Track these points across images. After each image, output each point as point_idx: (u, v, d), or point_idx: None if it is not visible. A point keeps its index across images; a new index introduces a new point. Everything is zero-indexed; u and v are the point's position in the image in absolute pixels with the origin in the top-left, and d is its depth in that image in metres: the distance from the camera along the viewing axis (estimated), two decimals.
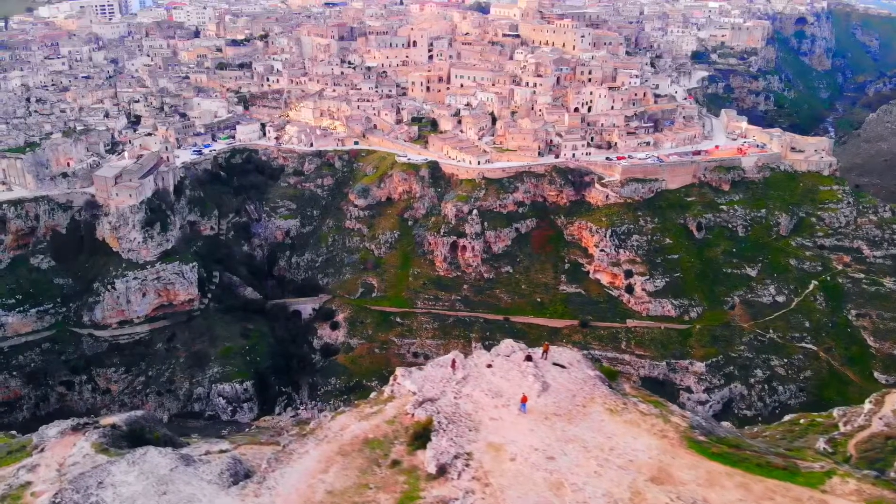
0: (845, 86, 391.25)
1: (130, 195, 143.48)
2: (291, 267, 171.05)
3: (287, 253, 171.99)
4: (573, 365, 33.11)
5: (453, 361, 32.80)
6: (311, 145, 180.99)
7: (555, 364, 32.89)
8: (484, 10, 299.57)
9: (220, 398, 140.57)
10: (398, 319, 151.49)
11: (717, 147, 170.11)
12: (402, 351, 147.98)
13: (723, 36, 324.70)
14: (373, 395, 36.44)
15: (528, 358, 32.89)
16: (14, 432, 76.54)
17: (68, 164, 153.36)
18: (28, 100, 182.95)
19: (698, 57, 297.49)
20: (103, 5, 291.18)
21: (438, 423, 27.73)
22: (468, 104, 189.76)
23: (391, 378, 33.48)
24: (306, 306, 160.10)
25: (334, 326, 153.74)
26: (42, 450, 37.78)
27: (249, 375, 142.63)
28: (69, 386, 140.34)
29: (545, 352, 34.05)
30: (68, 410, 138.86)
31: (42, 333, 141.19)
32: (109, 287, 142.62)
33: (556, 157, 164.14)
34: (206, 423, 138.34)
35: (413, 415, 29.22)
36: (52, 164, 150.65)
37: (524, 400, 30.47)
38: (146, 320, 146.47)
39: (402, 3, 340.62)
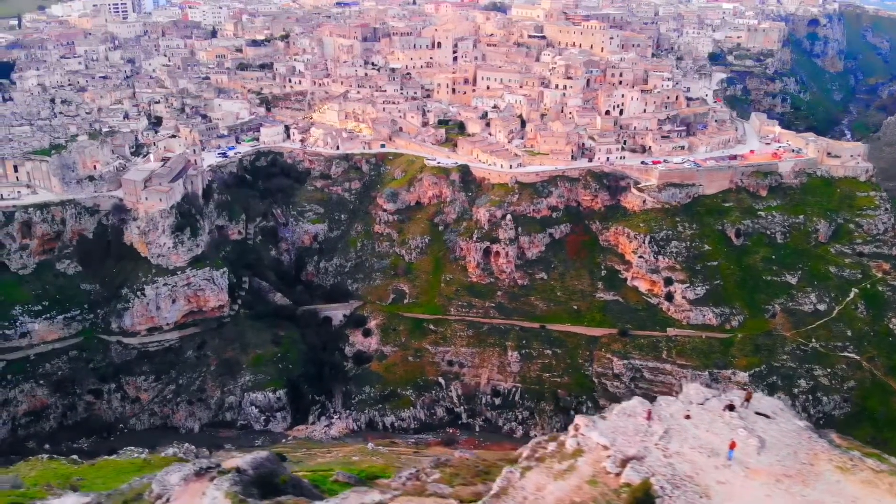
0: (857, 88, 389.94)
1: (160, 199, 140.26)
2: (320, 272, 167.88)
3: (315, 258, 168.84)
4: (778, 414, 30.26)
5: (649, 412, 29.86)
6: (338, 148, 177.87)
7: (758, 413, 30.08)
8: (500, 9, 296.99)
9: (253, 407, 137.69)
10: (431, 326, 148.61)
11: (752, 152, 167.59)
12: (436, 359, 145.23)
13: (738, 37, 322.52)
14: (536, 438, 33.31)
15: (731, 407, 30.09)
16: (75, 457, 73.59)
17: (95, 167, 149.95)
18: (52, 101, 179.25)
19: (714, 58, 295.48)
20: (117, 4, 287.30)
21: (661, 488, 24.78)
22: (495, 106, 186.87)
23: (571, 427, 30.34)
24: (337, 312, 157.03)
25: (366, 333, 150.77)
26: (167, 500, 34.52)
27: (282, 384, 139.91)
28: (97, 394, 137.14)
29: (748, 399, 31.27)
30: (96, 420, 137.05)
31: (69, 341, 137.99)
32: (139, 293, 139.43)
33: (590, 160, 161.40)
34: (238, 432, 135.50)
35: (618, 475, 26.32)
36: (78, 167, 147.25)
37: (732, 446, 27.77)
38: (176, 327, 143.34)
39: (414, 2, 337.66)
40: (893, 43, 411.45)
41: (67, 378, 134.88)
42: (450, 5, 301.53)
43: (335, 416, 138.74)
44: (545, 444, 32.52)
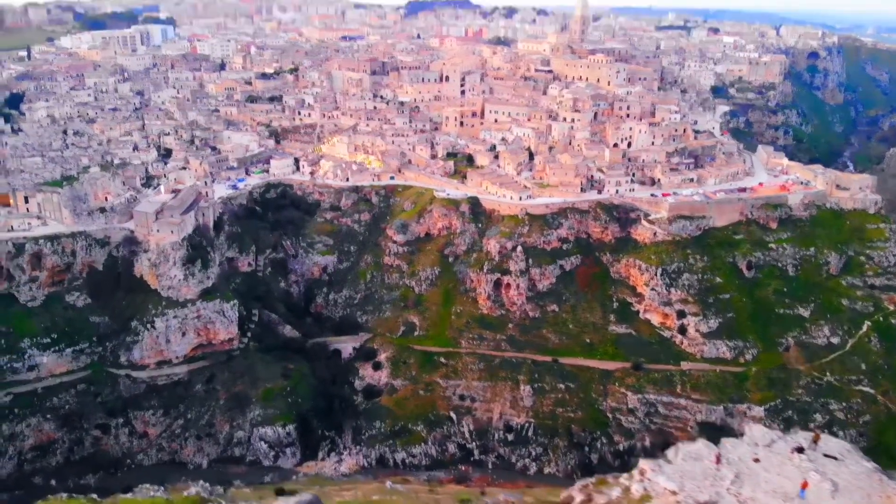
0: (858, 119, 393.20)
1: (172, 231, 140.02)
2: (329, 304, 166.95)
3: (324, 289, 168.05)
4: (846, 456, 29.56)
5: (717, 456, 29.14)
6: (347, 180, 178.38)
7: (826, 456, 29.38)
8: (504, 43, 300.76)
9: (262, 442, 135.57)
10: (442, 360, 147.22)
11: (760, 184, 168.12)
12: (447, 393, 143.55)
13: (739, 70, 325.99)
14: (583, 481, 32.42)
15: (800, 450, 29.40)
16: (94, 496, 71.94)
17: (106, 199, 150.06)
18: (65, 132, 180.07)
19: (717, 91, 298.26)
20: (126, 37, 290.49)
21: None
22: (503, 139, 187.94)
23: (636, 472, 29.54)
24: (346, 345, 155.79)
25: (377, 367, 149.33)
26: None
27: (292, 418, 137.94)
28: (105, 429, 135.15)
29: (815, 441, 30.59)
30: (103, 455, 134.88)
31: (77, 374, 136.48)
32: (149, 326, 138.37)
33: (599, 192, 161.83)
34: (247, 468, 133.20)
35: None
36: (90, 199, 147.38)
37: (804, 486, 27.05)
38: (185, 360, 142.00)
39: (419, 37, 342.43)
40: (893, 75, 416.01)
41: (75, 412, 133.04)
42: (454, 40, 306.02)
43: (345, 452, 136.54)
44: (597, 487, 31.68)
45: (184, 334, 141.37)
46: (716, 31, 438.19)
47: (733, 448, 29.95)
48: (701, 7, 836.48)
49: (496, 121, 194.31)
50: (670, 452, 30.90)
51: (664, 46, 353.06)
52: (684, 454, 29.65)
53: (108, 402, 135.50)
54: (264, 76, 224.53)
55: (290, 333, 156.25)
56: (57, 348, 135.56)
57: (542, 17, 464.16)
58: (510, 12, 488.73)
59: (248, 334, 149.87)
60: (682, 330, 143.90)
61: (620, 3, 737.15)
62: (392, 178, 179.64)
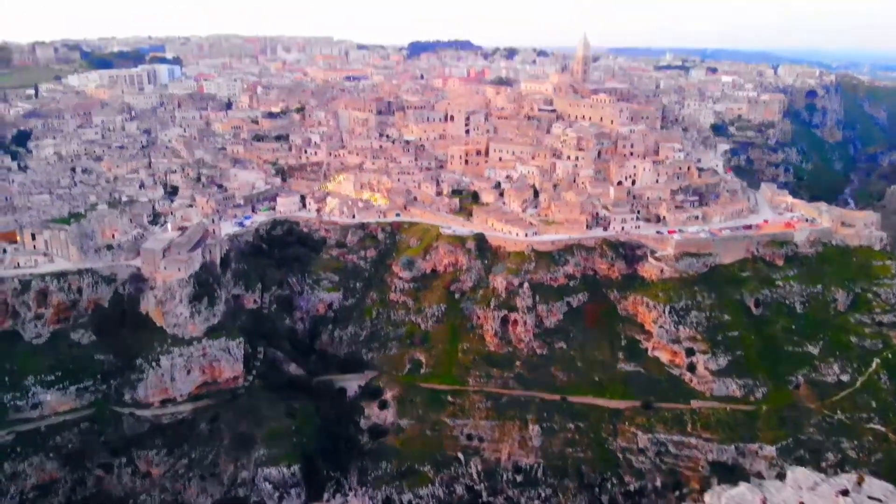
0: (857, 157, 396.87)
1: (179, 268, 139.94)
2: (334, 341, 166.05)
3: (330, 326, 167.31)
4: (889, 497, 29.01)
5: (763, 500, 28.58)
6: (354, 217, 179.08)
7: (871, 498, 28.84)
8: (506, 83, 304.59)
9: (267, 483, 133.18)
10: (449, 398, 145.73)
11: (765, 221, 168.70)
12: (455, 433, 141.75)
13: (739, 109, 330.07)
14: None
15: (845, 492, 28.89)
16: None
17: (113, 236, 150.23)
18: (73, 169, 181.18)
19: (717, 130, 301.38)
20: (133, 76, 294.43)
21: None
22: (508, 177, 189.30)
23: None
24: (352, 383, 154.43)
25: (383, 405, 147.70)
26: None
27: (297, 458, 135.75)
28: (108, 469, 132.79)
29: (859, 483, 30.06)
30: (106, 495, 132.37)
31: (81, 412, 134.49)
32: (154, 364, 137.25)
33: (605, 229, 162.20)
34: None
35: None
36: (97, 236, 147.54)
37: None
38: (189, 399, 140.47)
39: (422, 77, 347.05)
40: (890, 112, 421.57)
41: (78, 451, 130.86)
42: (457, 80, 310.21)
43: (351, 493, 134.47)
44: None
45: (189, 372, 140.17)
46: (714, 70, 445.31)
47: (777, 492, 29.41)
48: (698, 47, 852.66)
49: (500, 159, 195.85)
50: (710, 497, 30.27)
51: (663, 86, 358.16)
52: (728, 499, 29.02)
53: (111, 442, 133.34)
54: (271, 115, 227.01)
55: (295, 371, 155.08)
56: (61, 386, 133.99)
57: (541, 58, 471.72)
58: (511, 53, 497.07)
59: (254, 372, 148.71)
60: (692, 368, 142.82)
61: (618, 44, 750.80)
62: (398, 214, 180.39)
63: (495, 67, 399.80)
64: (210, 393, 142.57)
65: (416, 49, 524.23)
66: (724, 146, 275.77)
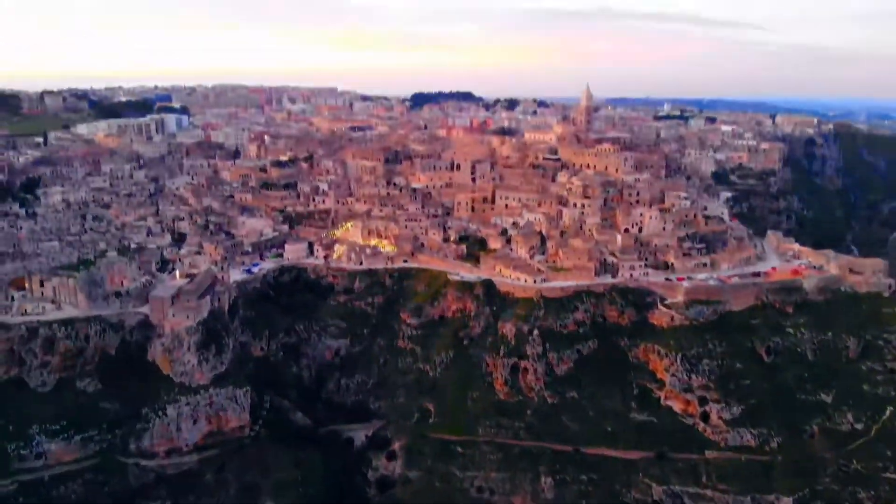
0: (857, 204, 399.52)
1: (188, 316, 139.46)
2: (341, 389, 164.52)
3: (336, 374, 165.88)
4: None
5: None
6: (361, 263, 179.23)
7: None
8: (508, 133, 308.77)
9: None
10: (459, 449, 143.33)
11: (773, 268, 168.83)
12: (465, 485, 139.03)
13: (739, 157, 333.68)
14: None
15: None
16: None
17: (122, 283, 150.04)
18: (83, 217, 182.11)
19: (718, 178, 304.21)
20: (141, 125, 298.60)
21: None
22: (515, 223, 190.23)
23: None
24: (359, 433, 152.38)
25: (391, 456, 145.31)
26: None
27: None
28: None
29: None
30: None
31: (85, 462, 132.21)
32: (160, 413, 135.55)
33: (613, 276, 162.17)
34: None
35: None
36: (106, 283, 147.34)
37: None
38: (195, 449, 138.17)
39: (426, 127, 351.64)
40: (889, 160, 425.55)
41: (82, 502, 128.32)
42: (461, 130, 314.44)
43: None
44: None
45: (195, 421, 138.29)
46: (713, 120, 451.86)
47: None
48: (695, 97, 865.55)
49: (507, 206, 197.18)
50: None
51: (664, 135, 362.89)
52: None
53: (116, 493, 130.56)
54: (279, 164, 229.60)
55: (301, 421, 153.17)
56: (66, 435, 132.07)
57: (542, 109, 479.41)
58: (512, 104, 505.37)
59: (260, 421, 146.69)
60: (705, 417, 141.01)
61: (616, 94, 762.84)
62: (405, 261, 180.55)
63: (497, 118, 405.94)
64: (216, 442, 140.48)
65: (419, 100, 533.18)
66: (726, 194, 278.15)
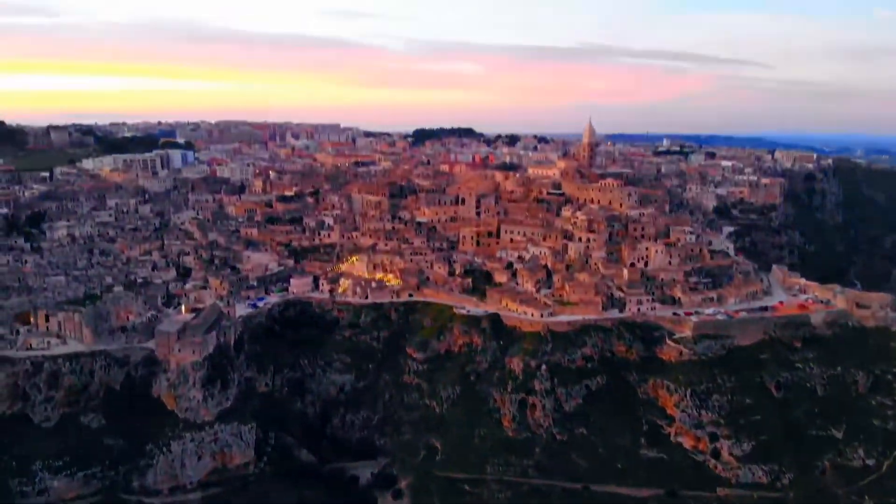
0: (858, 239, 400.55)
1: (194, 351, 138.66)
2: (346, 425, 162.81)
3: (341, 410, 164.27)
4: None
5: None
6: (367, 297, 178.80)
7: None
8: (511, 168, 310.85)
9: None
10: (467, 487, 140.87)
11: (780, 303, 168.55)
12: None
13: (740, 192, 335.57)
14: None
15: None
16: None
17: (127, 318, 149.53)
18: (90, 251, 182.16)
19: (719, 213, 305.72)
20: (146, 160, 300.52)
21: None
22: (520, 257, 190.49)
23: None
24: (364, 471, 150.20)
25: (397, 495, 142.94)
26: None
27: None
28: None
29: None
30: None
31: (88, 499, 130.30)
32: (164, 449, 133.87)
33: (621, 311, 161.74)
34: None
35: None
36: (112, 318, 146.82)
37: None
38: (199, 486, 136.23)
39: (429, 163, 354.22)
40: (889, 194, 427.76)
41: None
42: (463, 165, 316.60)
43: None
44: None
45: (199, 458, 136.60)
46: (712, 155, 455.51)
47: None
48: (693, 133, 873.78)
49: (511, 240, 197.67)
50: None
51: (665, 170, 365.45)
52: None
53: None
54: (284, 199, 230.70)
55: (306, 458, 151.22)
56: (69, 472, 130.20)
57: (542, 145, 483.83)
58: (513, 140, 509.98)
59: (265, 458, 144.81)
60: (716, 454, 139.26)
61: (614, 130, 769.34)
62: (411, 295, 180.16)
63: (499, 153, 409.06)
64: (220, 480, 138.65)
65: (421, 136, 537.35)
66: (728, 228, 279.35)
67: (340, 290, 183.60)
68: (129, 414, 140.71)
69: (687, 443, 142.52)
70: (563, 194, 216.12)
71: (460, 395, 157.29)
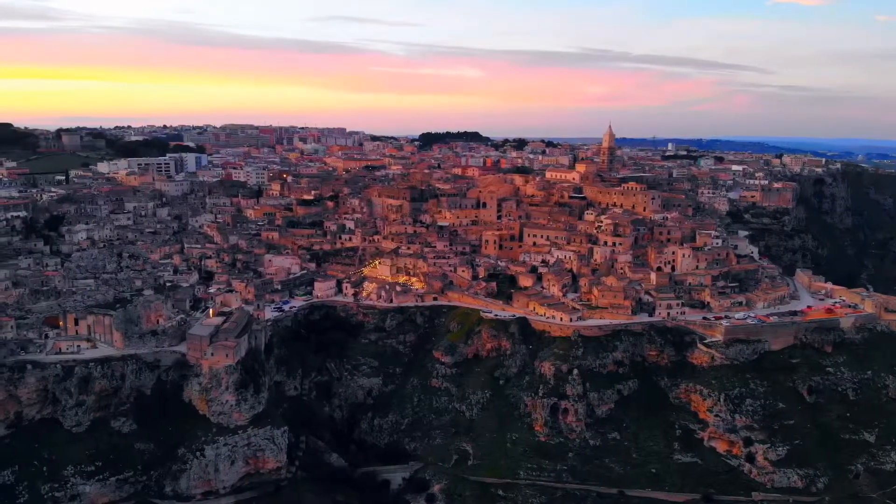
0: (867, 243, 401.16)
1: (227, 355, 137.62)
2: (374, 429, 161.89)
3: (369, 414, 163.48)
4: None
5: None
6: (391, 301, 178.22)
7: None
8: (525, 171, 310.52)
9: None
10: (500, 492, 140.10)
11: (809, 308, 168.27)
12: None
13: (752, 196, 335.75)
14: None
15: None
16: None
17: (157, 322, 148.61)
18: (119, 255, 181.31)
19: (732, 217, 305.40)
20: (160, 164, 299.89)
21: None
22: (544, 261, 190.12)
23: None
24: (396, 475, 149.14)
25: (430, 499, 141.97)
26: None
27: None
28: None
29: None
30: None
31: None
32: (198, 454, 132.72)
33: (650, 315, 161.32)
34: None
35: None
36: (143, 322, 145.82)
37: None
38: (232, 491, 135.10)
39: (439, 166, 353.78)
40: None
41: None
42: (476, 169, 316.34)
43: None
44: None
45: (232, 463, 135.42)
46: (720, 159, 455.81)
47: None
48: (695, 137, 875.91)
49: (535, 244, 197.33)
50: None
51: (676, 174, 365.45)
52: None
53: None
54: (304, 203, 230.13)
55: (336, 462, 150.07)
56: (101, 477, 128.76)
57: (550, 149, 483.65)
58: (520, 144, 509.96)
59: (297, 463, 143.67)
60: (751, 458, 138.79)
61: (620, 135, 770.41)
62: (435, 298, 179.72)
63: (509, 157, 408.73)
64: (253, 484, 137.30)
65: (427, 140, 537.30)
66: (744, 232, 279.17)
67: (364, 293, 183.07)
68: (160, 418, 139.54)
69: (720, 447, 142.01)
70: (584, 198, 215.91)
71: (490, 400, 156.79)
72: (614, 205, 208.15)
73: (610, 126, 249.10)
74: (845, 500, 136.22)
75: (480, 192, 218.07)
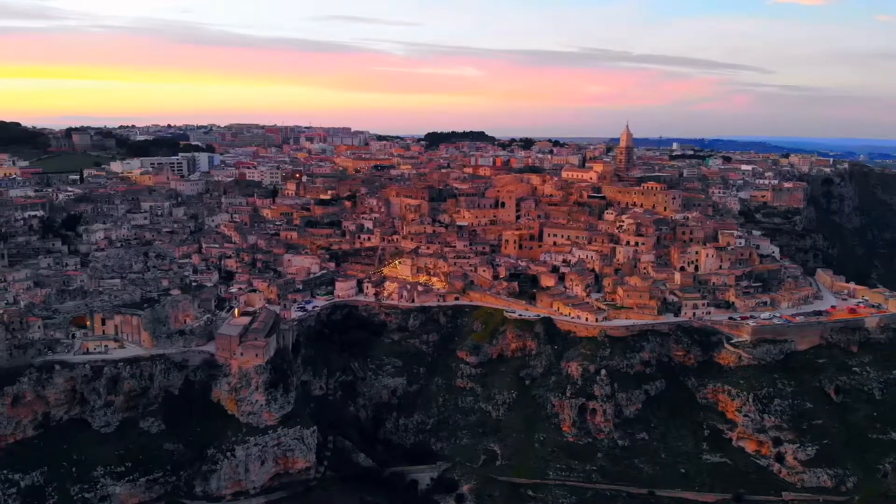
0: (875, 242, 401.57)
1: (256, 354, 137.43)
2: (399, 429, 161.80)
3: (394, 414, 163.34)
4: None
5: None
6: (413, 301, 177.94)
7: None
8: (538, 170, 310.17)
9: None
10: (530, 492, 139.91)
11: (833, 308, 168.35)
12: None
13: (762, 196, 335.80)
14: None
15: None
16: None
17: (185, 321, 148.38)
18: (146, 254, 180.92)
19: (743, 216, 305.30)
20: (172, 164, 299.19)
21: None
22: (565, 261, 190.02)
23: None
24: (424, 475, 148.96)
25: (459, 499, 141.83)
26: None
27: None
28: None
29: None
30: None
31: None
32: (228, 454, 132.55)
33: (676, 315, 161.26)
34: None
35: None
36: (170, 322, 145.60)
37: None
38: (262, 492, 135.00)
39: (448, 166, 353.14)
40: None
41: None
42: (487, 169, 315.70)
43: None
44: None
45: (262, 463, 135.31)
46: (728, 159, 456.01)
47: None
48: (697, 137, 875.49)
49: (555, 244, 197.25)
50: None
51: (686, 174, 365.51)
52: None
53: None
54: (322, 202, 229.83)
55: (364, 462, 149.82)
56: (131, 477, 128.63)
57: (558, 148, 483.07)
58: (527, 143, 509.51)
59: (325, 463, 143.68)
60: (780, 458, 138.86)
61: (617, 135, 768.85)
62: (457, 298, 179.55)
63: (518, 157, 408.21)
64: (283, 485, 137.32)
65: (433, 140, 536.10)
66: (757, 232, 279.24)
67: (386, 293, 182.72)
68: (189, 418, 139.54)
69: (749, 447, 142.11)
70: (603, 198, 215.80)
71: (516, 400, 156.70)
72: (634, 204, 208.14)
73: (627, 126, 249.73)
74: (875, 499, 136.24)
75: (499, 191, 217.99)
